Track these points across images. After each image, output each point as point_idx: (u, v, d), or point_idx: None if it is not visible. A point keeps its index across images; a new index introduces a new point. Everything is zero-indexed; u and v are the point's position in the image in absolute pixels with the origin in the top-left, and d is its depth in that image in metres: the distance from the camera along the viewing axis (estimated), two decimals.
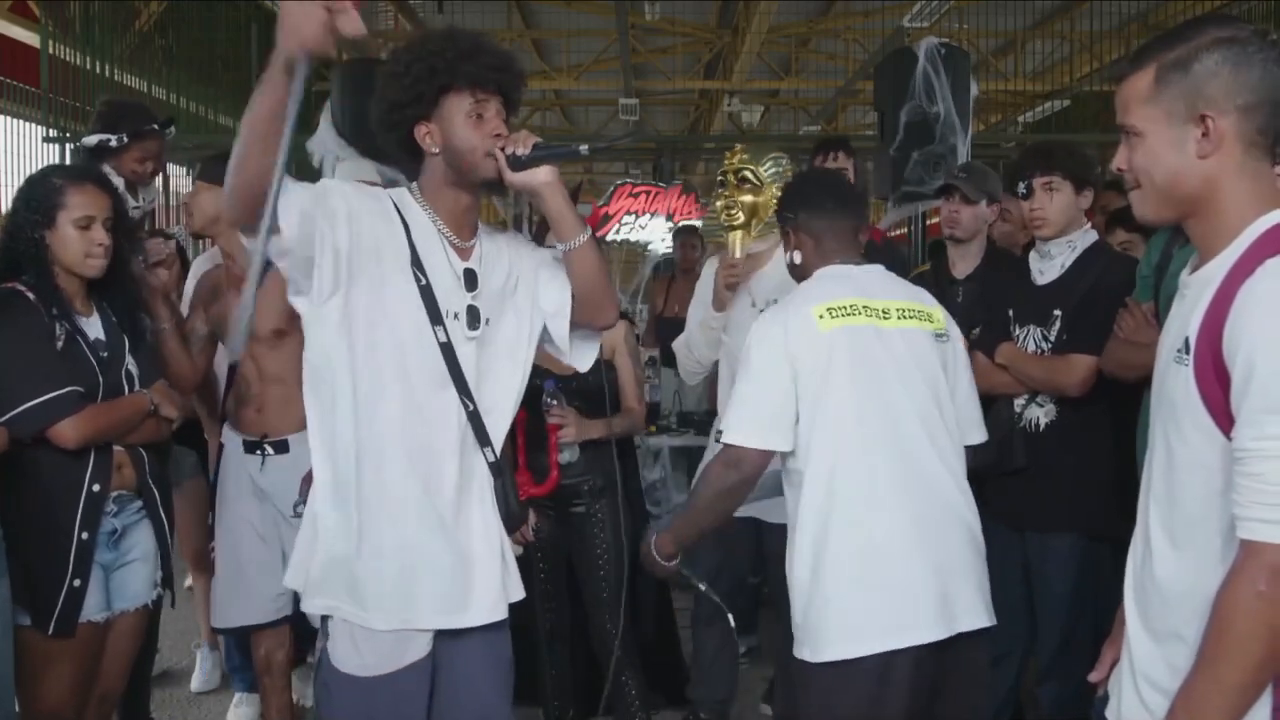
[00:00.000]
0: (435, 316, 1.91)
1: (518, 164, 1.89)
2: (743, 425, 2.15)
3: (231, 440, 2.98)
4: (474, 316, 1.96)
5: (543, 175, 1.92)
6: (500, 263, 2.03)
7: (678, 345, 3.25)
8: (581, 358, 2.12)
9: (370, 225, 1.88)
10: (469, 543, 1.95)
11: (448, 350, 1.92)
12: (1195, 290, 1.40)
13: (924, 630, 2.06)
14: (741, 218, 3.08)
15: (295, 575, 1.96)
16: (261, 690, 3.14)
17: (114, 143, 3.38)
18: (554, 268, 2.07)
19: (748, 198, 3.08)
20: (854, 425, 2.11)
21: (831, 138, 4.30)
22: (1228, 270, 1.35)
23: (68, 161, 3.52)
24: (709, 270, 3.29)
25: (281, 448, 2.87)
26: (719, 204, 3.15)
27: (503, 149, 1.90)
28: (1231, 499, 1.30)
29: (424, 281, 1.91)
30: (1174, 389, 1.41)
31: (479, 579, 1.95)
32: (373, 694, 1.88)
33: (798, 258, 2.36)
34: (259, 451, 2.88)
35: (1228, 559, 1.33)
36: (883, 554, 2.08)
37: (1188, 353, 1.37)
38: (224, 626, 3.04)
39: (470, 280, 1.98)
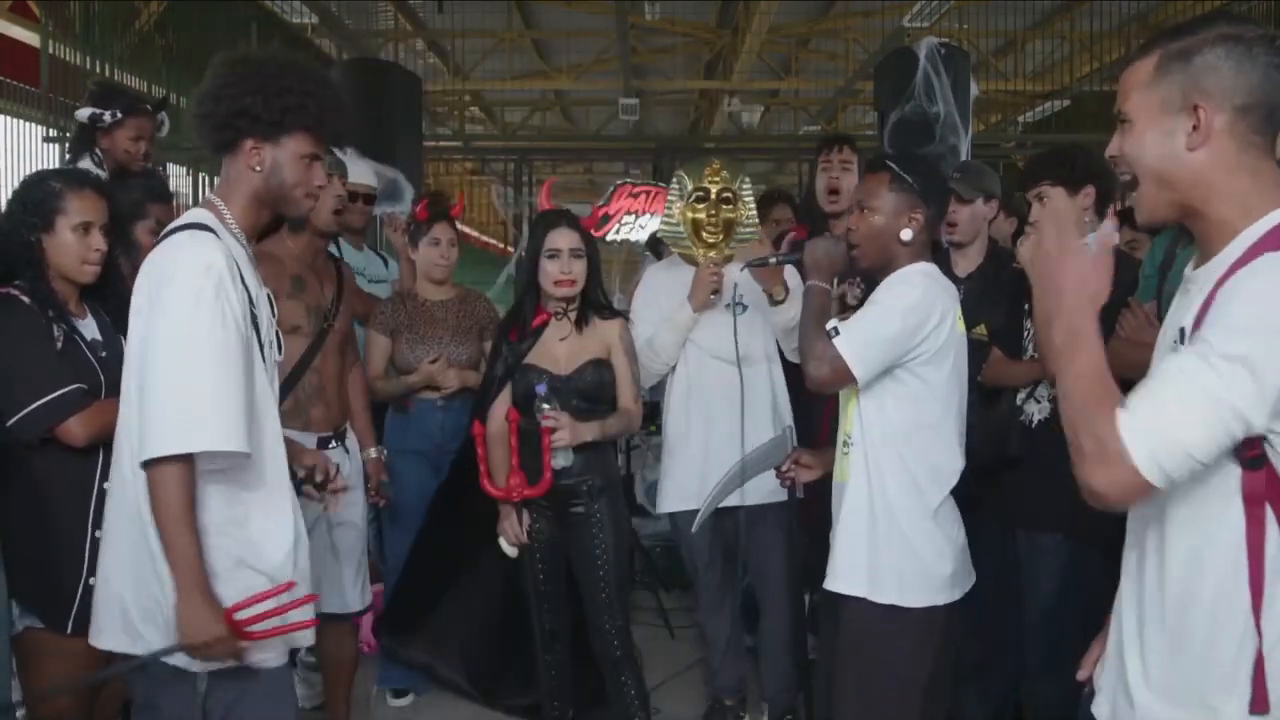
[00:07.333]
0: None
1: None
2: None
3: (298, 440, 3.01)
4: None
5: None
6: None
7: (640, 346, 3.15)
8: None
9: None
10: None
11: None
12: (1198, 286, 1.39)
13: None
14: (720, 236, 3.17)
15: None
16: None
17: (108, 118, 3.33)
18: None
19: (726, 214, 3.16)
20: None
21: (835, 135, 4.21)
22: (1229, 265, 1.34)
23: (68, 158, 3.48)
24: (653, 275, 3.45)
25: (344, 437, 3.10)
26: (695, 216, 3.19)
27: None
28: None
29: None
30: None
31: None
32: None
33: None
34: (334, 444, 3.03)
35: (1206, 558, 1.32)
36: None
37: (1183, 342, 1.36)
38: None
39: None
